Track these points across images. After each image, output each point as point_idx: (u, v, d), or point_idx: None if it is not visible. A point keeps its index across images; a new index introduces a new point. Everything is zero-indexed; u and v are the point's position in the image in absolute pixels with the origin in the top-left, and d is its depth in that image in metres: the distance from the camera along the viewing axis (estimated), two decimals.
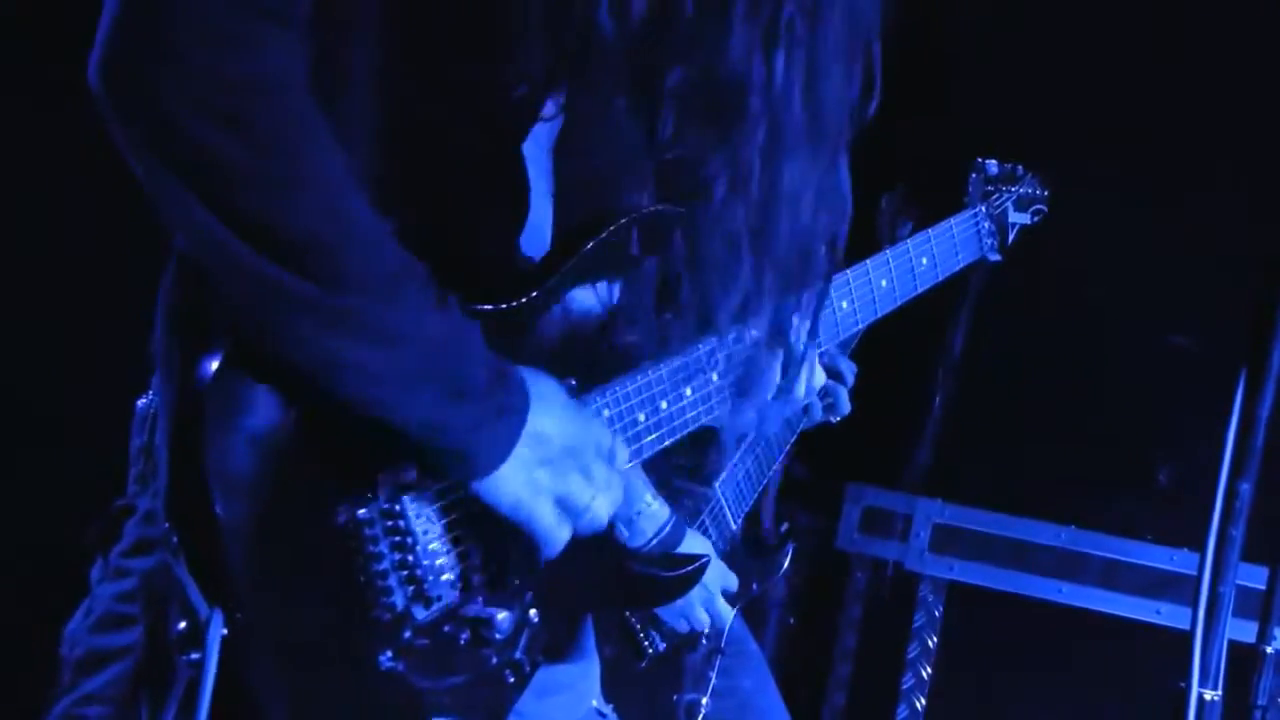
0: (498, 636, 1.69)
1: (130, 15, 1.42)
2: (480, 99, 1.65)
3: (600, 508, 1.70)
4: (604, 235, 1.77)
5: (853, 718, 4.37)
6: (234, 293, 1.50)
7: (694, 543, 2.36)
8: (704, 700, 2.73)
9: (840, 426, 3.01)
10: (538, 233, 1.78)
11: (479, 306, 1.67)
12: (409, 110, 1.63)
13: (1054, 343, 4.25)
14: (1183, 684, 1.67)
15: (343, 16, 1.54)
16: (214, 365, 1.51)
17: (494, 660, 1.70)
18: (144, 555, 1.67)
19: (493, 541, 1.68)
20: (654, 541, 2.24)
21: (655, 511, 2.24)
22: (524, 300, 1.71)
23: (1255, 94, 3.84)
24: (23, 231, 3.31)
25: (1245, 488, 1.68)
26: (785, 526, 3.08)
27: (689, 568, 1.91)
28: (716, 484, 2.70)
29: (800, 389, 1.99)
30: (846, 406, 2.88)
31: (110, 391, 1.87)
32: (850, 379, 2.88)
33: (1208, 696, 1.67)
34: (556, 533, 1.67)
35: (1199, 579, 1.70)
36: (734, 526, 2.78)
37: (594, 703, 1.97)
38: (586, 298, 1.78)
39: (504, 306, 1.70)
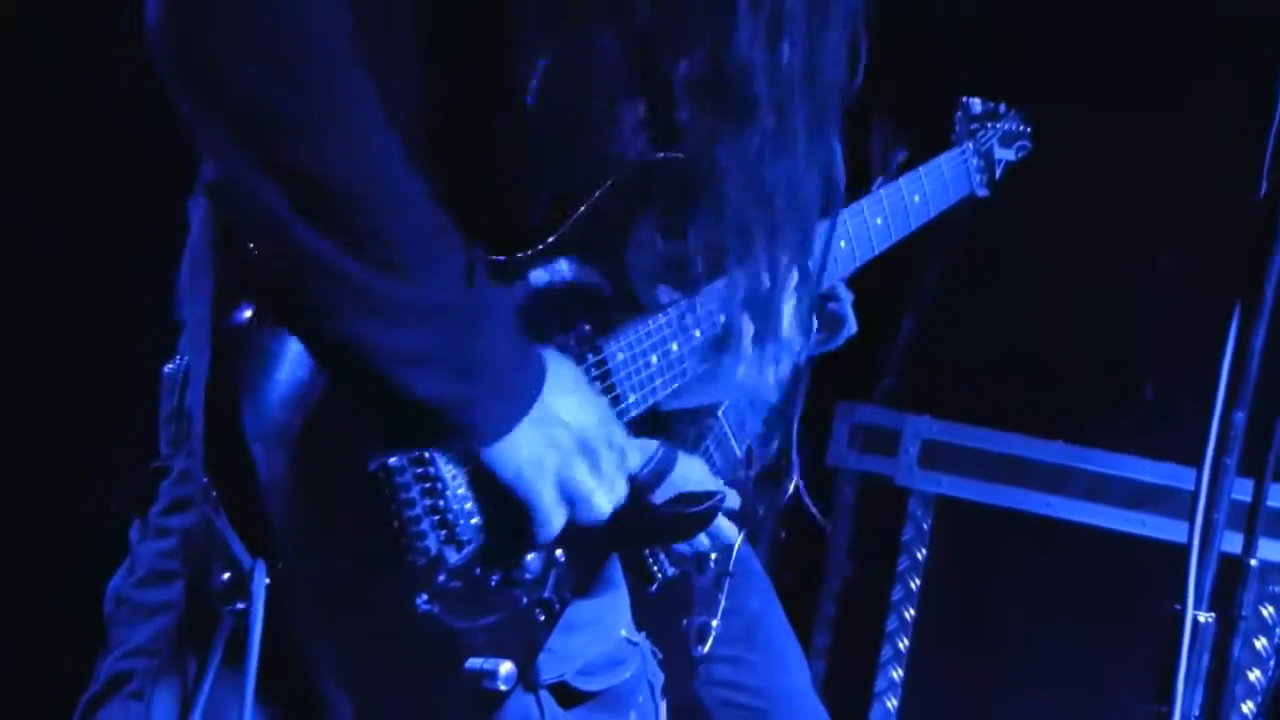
0: (527, 577, 1.73)
1: None
2: (481, 63, 1.67)
3: (602, 501, 1.73)
4: (609, 183, 1.80)
5: (843, 629, 4.44)
6: (259, 246, 1.54)
7: (685, 466, 2.41)
8: (714, 623, 2.79)
9: None
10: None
11: (494, 256, 1.69)
12: (411, 70, 1.66)
13: (1042, 258, 4.28)
14: (1178, 606, 1.73)
15: None
16: (245, 316, 1.54)
17: (524, 600, 1.75)
18: (182, 513, 1.70)
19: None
20: (645, 470, 2.29)
21: (644, 441, 2.28)
22: (536, 249, 1.74)
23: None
24: (48, 204, 3.32)
25: (1239, 416, 1.73)
26: (792, 444, 3.12)
27: (707, 504, 1.94)
28: (720, 411, 2.74)
29: (786, 332, 2.00)
30: (854, 325, 2.94)
31: (136, 359, 1.90)
32: (849, 303, 2.92)
33: (1202, 619, 1.73)
34: (553, 515, 1.69)
35: (1194, 505, 1.76)
36: (738, 452, 2.82)
37: (623, 632, 2.00)
38: (596, 246, 1.81)
39: (517, 256, 1.72)
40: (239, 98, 1.47)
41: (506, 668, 1.69)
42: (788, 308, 1.97)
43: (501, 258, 1.71)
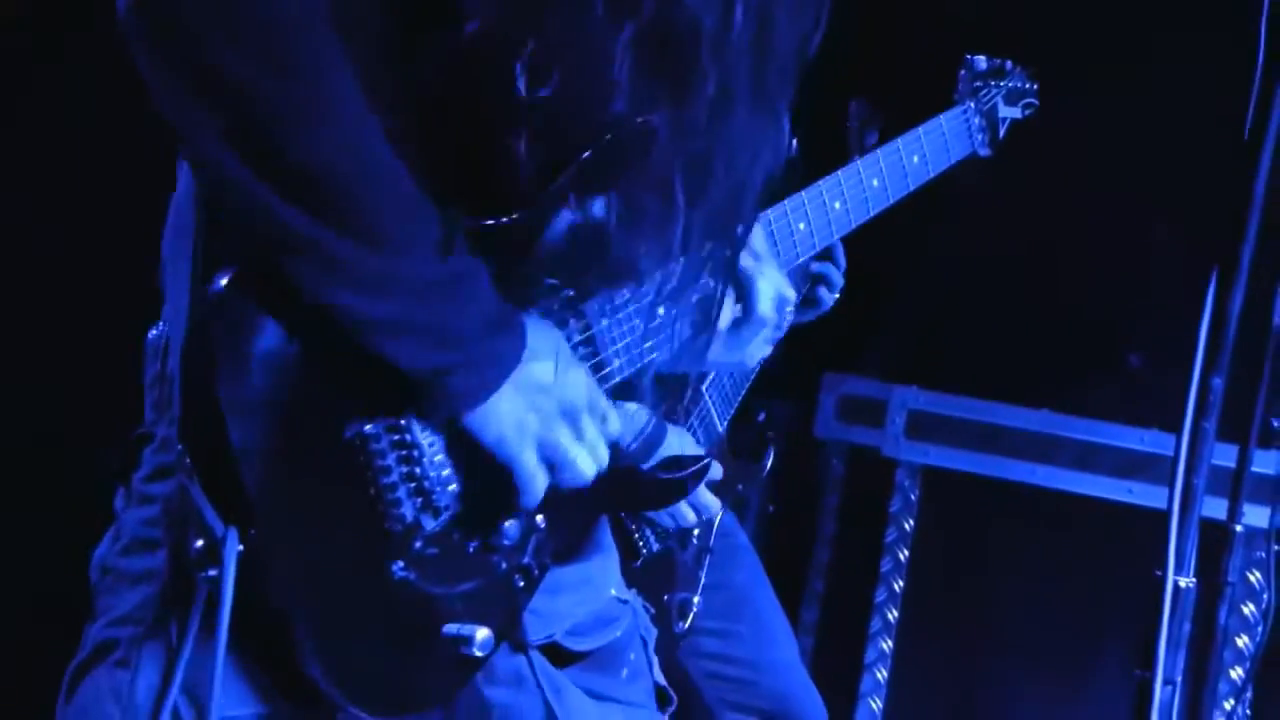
0: (505, 543, 1.73)
1: None
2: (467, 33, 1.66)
3: (585, 465, 1.72)
4: (591, 151, 1.79)
5: (832, 601, 4.46)
6: (238, 224, 1.53)
7: (674, 439, 2.41)
8: (695, 599, 2.80)
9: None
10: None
11: (475, 223, 1.68)
12: (399, 49, 1.64)
13: (1026, 229, 4.28)
14: (1159, 572, 1.73)
15: None
16: (222, 283, 1.54)
17: (503, 566, 1.75)
18: (164, 480, 1.69)
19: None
20: (635, 443, 2.29)
21: (635, 413, 2.28)
22: (518, 216, 1.73)
23: None
24: (33, 176, 3.32)
25: (1217, 382, 1.73)
26: (762, 416, 3.13)
27: (694, 468, 1.94)
28: (704, 387, 2.75)
29: (764, 307, 2.00)
30: (830, 300, 2.94)
31: (123, 326, 1.90)
32: (843, 260, 2.93)
33: (1183, 584, 1.74)
34: (535, 480, 1.69)
35: (1174, 469, 1.76)
36: (720, 428, 2.83)
37: (612, 592, 2.00)
38: (581, 210, 1.80)
39: (499, 222, 1.71)
40: (212, 77, 1.46)
41: (483, 634, 1.69)
42: (763, 281, 1.97)
43: (485, 223, 1.70)
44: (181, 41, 1.46)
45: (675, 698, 2.04)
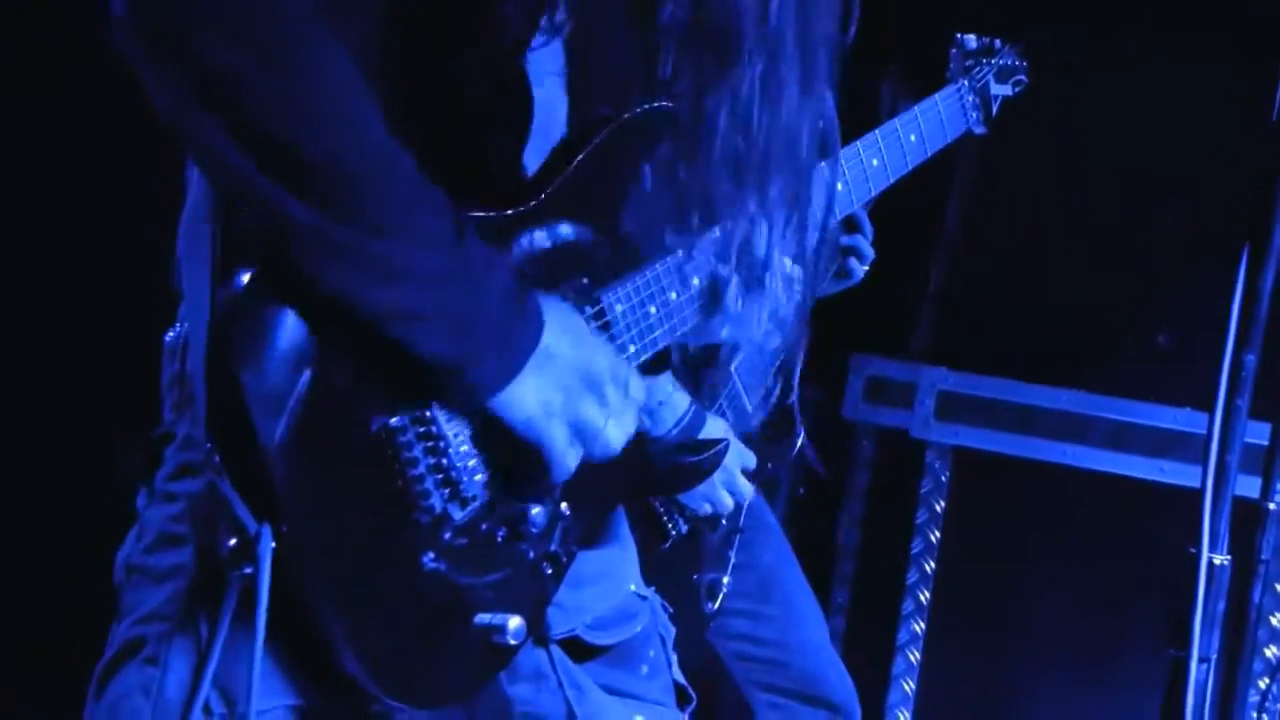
0: (533, 531, 1.73)
1: None
2: (472, 19, 1.66)
3: (614, 434, 1.72)
4: (602, 137, 1.79)
5: (863, 583, 4.47)
6: (251, 217, 1.54)
7: (713, 427, 2.42)
8: (725, 579, 2.81)
9: (843, 297, 3.07)
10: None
11: (486, 213, 1.69)
12: (402, 39, 1.65)
13: (1054, 208, 4.27)
14: (1193, 549, 1.72)
15: None
16: (242, 282, 1.55)
17: (531, 554, 1.75)
18: (188, 478, 1.70)
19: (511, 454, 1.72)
20: (675, 430, 2.30)
21: (676, 401, 2.28)
22: (530, 205, 1.74)
23: None
24: (54, 180, 3.33)
25: (1250, 359, 1.73)
26: (793, 399, 3.14)
27: (712, 451, 1.95)
28: (732, 367, 2.75)
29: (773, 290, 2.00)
30: (861, 272, 2.95)
31: (137, 327, 1.90)
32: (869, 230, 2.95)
33: (1217, 561, 1.73)
34: (567, 456, 1.69)
35: (1207, 447, 1.75)
36: (749, 408, 2.83)
37: (631, 587, 2.00)
38: (591, 199, 1.81)
39: (510, 213, 1.72)
40: (209, 77, 1.46)
41: (516, 622, 1.70)
42: (788, 260, 1.97)
43: (496, 214, 1.71)
44: (176, 42, 1.46)
45: (695, 697, 2.04)
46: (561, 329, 1.69)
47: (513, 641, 1.70)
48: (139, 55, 1.49)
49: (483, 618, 1.70)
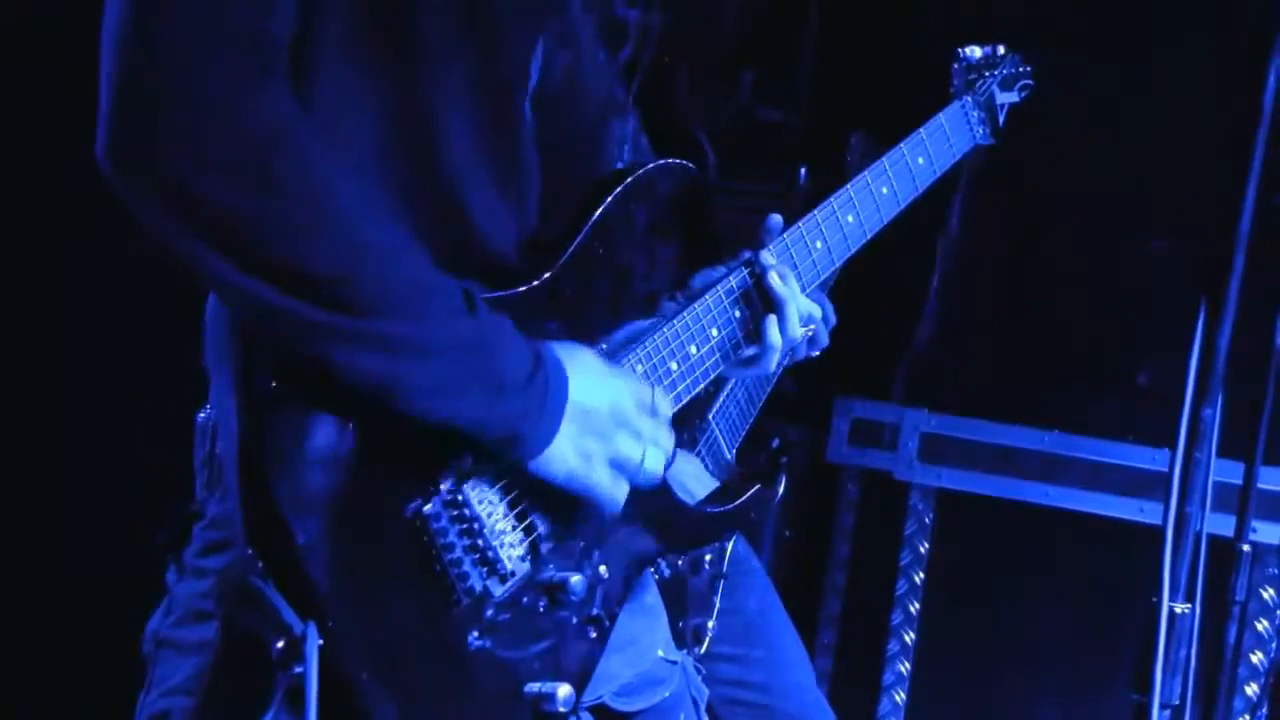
0: (574, 598, 1.77)
1: (127, 98, 1.49)
2: (470, 80, 1.70)
3: (653, 461, 1.78)
4: (612, 198, 1.83)
5: (848, 624, 4.48)
6: (271, 330, 1.58)
7: (685, 464, 2.44)
8: (710, 624, 2.83)
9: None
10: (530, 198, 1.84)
11: (501, 294, 1.74)
12: (402, 107, 1.68)
13: (1030, 250, 4.30)
14: (1155, 599, 1.76)
15: (326, 32, 1.59)
16: (271, 386, 1.58)
17: (574, 620, 1.80)
18: (216, 554, 1.75)
19: (556, 511, 1.76)
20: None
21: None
22: (544, 278, 1.78)
23: None
24: (89, 242, 3.34)
25: (1208, 413, 1.77)
26: (776, 443, 3.16)
27: (744, 497, 1.98)
28: (710, 415, 2.78)
29: (794, 330, 2.05)
30: (825, 340, 2.96)
31: (174, 400, 1.93)
32: (831, 317, 2.94)
33: (1178, 609, 1.77)
34: (615, 493, 1.76)
35: (1166, 497, 1.80)
36: (729, 456, 2.86)
37: (660, 652, 2.04)
38: (604, 262, 1.84)
39: (523, 289, 1.77)
40: (199, 208, 1.49)
41: (565, 690, 1.73)
42: (791, 304, 2.01)
43: (510, 291, 1.75)
44: (163, 177, 1.49)
45: None
46: (582, 373, 1.73)
47: (563, 709, 1.74)
48: (129, 196, 1.51)
49: (532, 687, 1.74)
